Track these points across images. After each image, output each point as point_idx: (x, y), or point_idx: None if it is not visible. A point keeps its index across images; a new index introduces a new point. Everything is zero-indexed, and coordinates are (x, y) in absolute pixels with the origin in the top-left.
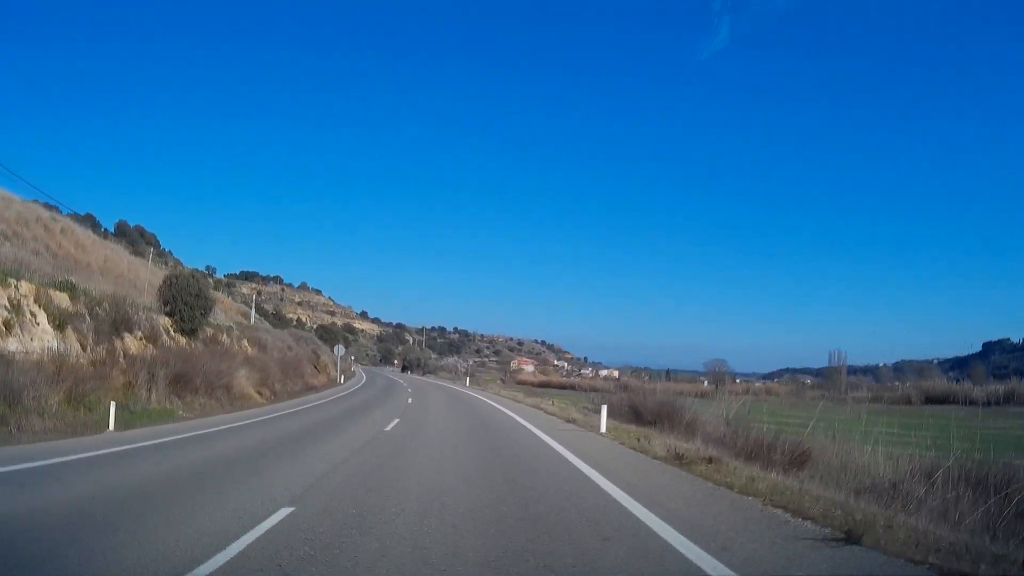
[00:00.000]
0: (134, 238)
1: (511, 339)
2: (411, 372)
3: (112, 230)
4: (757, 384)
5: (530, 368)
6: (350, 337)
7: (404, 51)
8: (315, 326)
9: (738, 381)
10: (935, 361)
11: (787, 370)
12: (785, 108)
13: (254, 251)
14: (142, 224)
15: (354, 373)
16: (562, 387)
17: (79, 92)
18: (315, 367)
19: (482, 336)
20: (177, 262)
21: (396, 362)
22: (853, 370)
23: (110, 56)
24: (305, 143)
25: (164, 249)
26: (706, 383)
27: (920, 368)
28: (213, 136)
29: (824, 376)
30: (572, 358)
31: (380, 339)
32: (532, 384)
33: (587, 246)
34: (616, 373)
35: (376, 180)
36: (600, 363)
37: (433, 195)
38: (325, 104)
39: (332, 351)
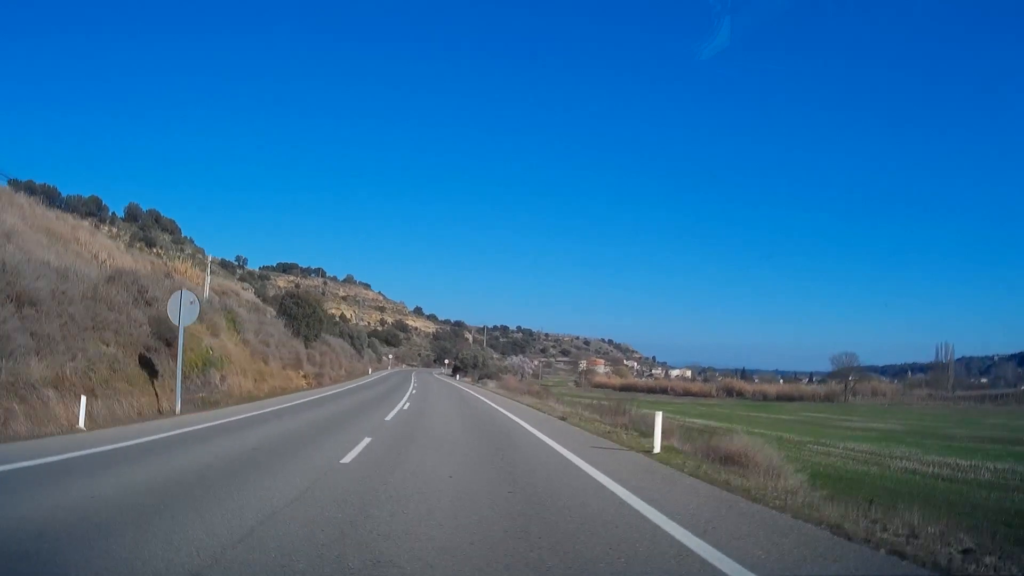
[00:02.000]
0: (147, 222)
1: (577, 338)
2: (461, 376)
3: (122, 214)
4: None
5: (603, 369)
6: (401, 335)
7: (434, 50)
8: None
9: (837, 383)
10: (995, 357)
11: (853, 368)
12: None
13: (302, 246)
14: (157, 208)
15: (368, 372)
16: (649, 391)
17: (120, 85)
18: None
19: (547, 335)
20: (198, 250)
21: (447, 362)
22: (920, 368)
23: (157, 48)
24: (356, 137)
25: (185, 236)
26: (820, 383)
27: (987, 364)
28: (257, 130)
29: (933, 372)
30: (641, 358)
31: (436, 337)
32: (612, 387)
33: (654, 245)
34: (688, 373)
35: (432, 176)
36: (666, 363)
37: (491, 193)
38: (383, 100)
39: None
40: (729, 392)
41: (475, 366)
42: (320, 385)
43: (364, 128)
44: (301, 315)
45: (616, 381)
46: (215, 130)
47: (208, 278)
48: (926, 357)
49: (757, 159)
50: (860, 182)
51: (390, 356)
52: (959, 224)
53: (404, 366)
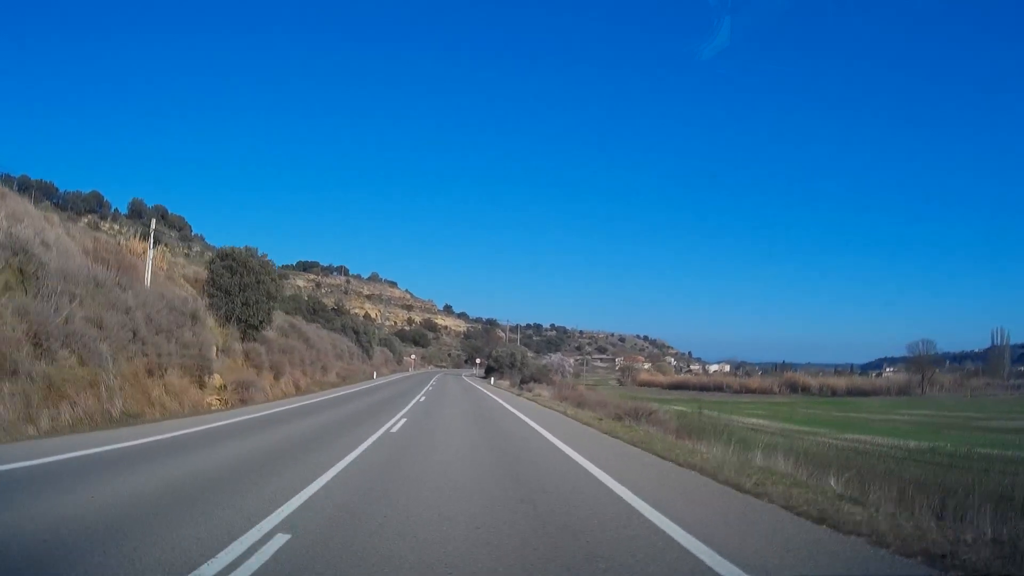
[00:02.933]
0: (152, 219)
1: (612, 335)
2: (496, 379)
3: (124, 210)
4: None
5: (644, 366)
6: (430, 335)
7: (435, 50)
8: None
9: (876, 375)
10: None
11: (886, 359)
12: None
13: (324, 245)
14: (164, 205)
15: (373, 376)
16: (703, 388)
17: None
18: None
19: (581, 332)
20: (208, 247)
21: (479, 362)
22: (957, 357)
23: (181, 48)
24: (358, 136)
25: (195, 234)
26: (860, 375)
27: (1018, 352)
28: (257, 130)
29: (986, 361)
30: (677, 353)
31: (467, 336)
32: (660, 385)
33: (683, 241)
34: (727, 368)
35: (455, 175)
36: (701, 358)
37: (516, 192)
38: (384, 100)
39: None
40: (793, 388)
41: (512, 366)
42: (244, 403)
43: (365, 128)
44: (237, 287)
45: (662, 379)
46: (217, 129)
47: (151, 251)
48: (955, 346)
49: (760, 157)
50: (860, 180)
51: (413, 356)
52: (962, 221)
53: (431, 367)
